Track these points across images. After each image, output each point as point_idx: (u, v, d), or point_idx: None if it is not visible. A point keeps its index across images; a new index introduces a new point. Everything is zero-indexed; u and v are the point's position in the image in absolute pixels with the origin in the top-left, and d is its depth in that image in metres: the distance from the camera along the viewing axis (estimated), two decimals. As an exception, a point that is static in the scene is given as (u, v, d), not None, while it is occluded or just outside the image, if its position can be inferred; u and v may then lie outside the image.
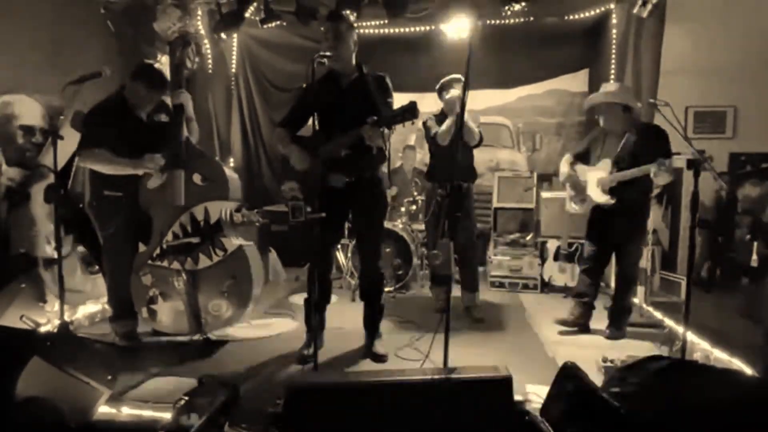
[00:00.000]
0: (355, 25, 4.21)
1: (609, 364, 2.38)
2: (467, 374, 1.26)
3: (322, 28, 2.43)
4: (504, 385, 1.28)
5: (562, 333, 3.13)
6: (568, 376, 1.39)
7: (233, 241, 2.66)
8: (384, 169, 2.61)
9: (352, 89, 2.42)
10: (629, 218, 2.93)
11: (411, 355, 2.60)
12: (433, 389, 1.31)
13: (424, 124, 3.36)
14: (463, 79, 2.77)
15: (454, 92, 3.15)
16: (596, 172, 2.97)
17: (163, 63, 4.14)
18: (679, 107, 6.41)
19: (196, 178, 2.64)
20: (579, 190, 3.09)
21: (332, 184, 2.42)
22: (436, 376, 1.28)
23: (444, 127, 3.20)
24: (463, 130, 2.90)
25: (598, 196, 2.96)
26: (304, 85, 2.47)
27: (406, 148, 5.03)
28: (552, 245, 4.32)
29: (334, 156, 2.37)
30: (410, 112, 2.17)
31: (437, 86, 3.32)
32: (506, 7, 3.39)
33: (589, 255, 3.11)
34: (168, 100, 2.80)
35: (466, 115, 2.39)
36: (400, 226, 4.24)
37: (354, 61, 2.43)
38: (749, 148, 6.20)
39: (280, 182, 3.77)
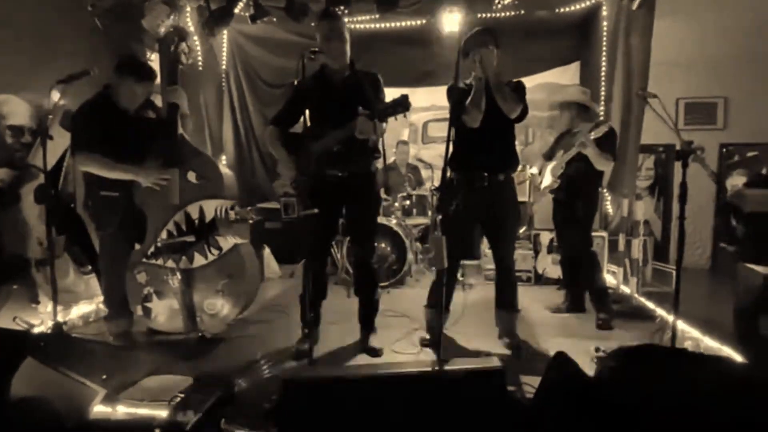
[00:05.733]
0: (347, 20, 4.25)
1: (601, 354, 2.42)
2: (460, 366, 1.27)
3: (313, 25, 2.43)
4: (497, 376, 1.30)
5: (554, 311, 3.41)
6: (560, 366, 1.41)
7: (228, 240, 2.66)
8: (378, 164, 2.61)
9: (344, 86, 2.43)
10: (574, 204, 3.14)
11: (406, 349, 2.62)
12: (427, 381, 1.32)
13: (451, 91, 2.50)
14: (495, 35, 2.51)
15: (485, 51, 2.45)
16: (553, 162, 3.30)
17: (152, 60, 4.11)
18: (670, 99, 6.50)
19: (191, 176, 2.63)
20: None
21: (326, 180, 2.42)
22: (429, 369, 1.29)
23: (470, 102, 2.45)
24: (497, 98, 2.42)
25: (547, 180, 3.27)
26: (296, 82, 2.45)
27: (399, 143, 5.03)
28: (545, 238, 4.35)
29: (326, 151, 2.37)
30: (402, 105, 2.18)
31: (462, 44, 2.51)
32: (496, 1, 3.39)
33: (554, 242, 3.34)
34: (156, 97, 2.77)
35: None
36: (395, 221, 4.25)
37: (347, 59, 2.42)
38: (740, 138, 6.26)
39: (273, 179, 3.80)
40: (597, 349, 2.46)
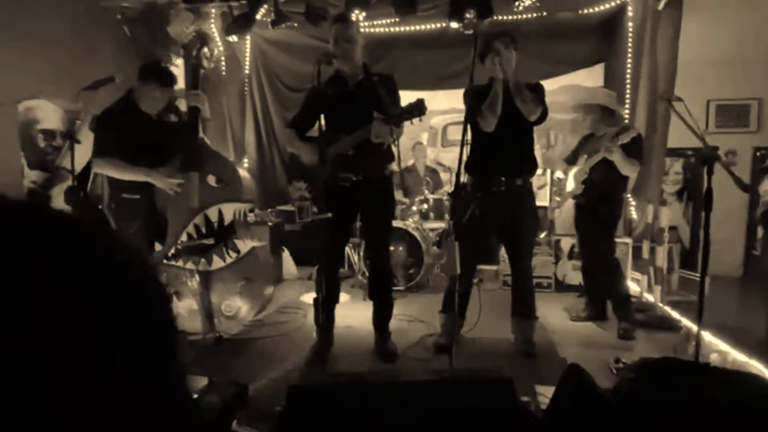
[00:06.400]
0: (367, 23, 4.27)
1: (620, 365, 2.35)
2: (468, 376, 1.25)
3: (330, 29, 2.45)
4: (505, 387, 1.27)
5: (574, 319, 3.34)
6: (572, 378, 1.37)
7: (246, 243, 2.70)
8: (393, 167, 2.61)
9: (359, 90, 2.44)
10: (597, 210, 3.06)
11: (420, 354, 2.61)
12: (433, 390, 1.31)
13: (468, 94, 2.40)
14: (514, 36, 2.50)
15: (505, 52, 2.40)
16: (576, 167, 3.22)
17: (178, 65, 4.23)
18: (700, 101, 6.27)
19: (211, 179, 2.69)
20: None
21: (340, 183, 2.44)
22: (436, 377, 1.28)
23: (486, 106, 2.40)
24: (516, 99, 2.39)
25: (570, 186, 3.20)
26: (312, 86, 2.48)
27: (416, 145, 5.01)
28: (566, 243, 4.26)
29: (341, 155, 2.39)
30: (417, 108, 2.18)
31: (479, 48, 2.45)
32: (516, 2, 3.35)
33: (575, 248, 3.26)
34: (179, 101, 2.85)
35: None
36: (412, 225, 4.24)
37: (361, 62, 2.44)
38: (775, 142, 5.99)
39: (290, 182, 3.83)
40: (617, 360, 2.39)
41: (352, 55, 2.37)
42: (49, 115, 3.47)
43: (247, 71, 5.20)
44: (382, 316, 2.65)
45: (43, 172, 3.44)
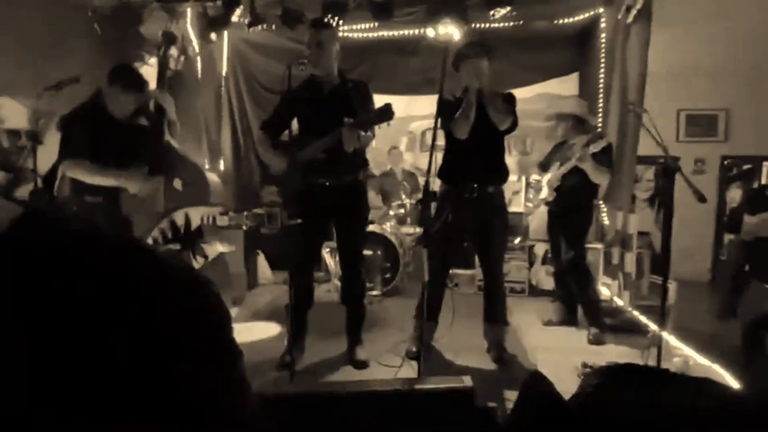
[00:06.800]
0: (347, 28, 4.27)
1: (588, 370, 2.39)
2: (431, 385, 1.25)
3: (306, 36, 2.43)
4: (467, 396, 1.27)
5: (546, 324, 3.39)
6: (533, 386, 1.39)
7: (215, 248, 2.65)
8: (366, 172, 2.61)
9: (332, 95, 2.43)
10: (569, 216, 3.14)
11: (392, 361, 2.60)
12: (397, 400, 1.30)
13: (442, 102, 2.28)
14: (488, 47, 2.57)
15: (479, 62, 2.47)
16: (549, 174, 3.28)
17: (152, 65, 4.14)
18: (671, 111, 6.45)
19: (177, 183, 2.63)
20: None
21: (312, 189, 2.42)
22: (400, 387, 1.27)
23: (460, 113, 2.45)
24: (489, 108, 2.45)
25: (544, 192, 3.26)
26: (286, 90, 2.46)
27: (393, 150, 5.03)
28: (540, 249, 4.32)
29: (313, 160, 2.37)
30: (385, 113, 2.18)
31: (454, 56, 2.57)
32: (491, 12, 3.40)
33: (548, 253, 3.33)
34: (151, 103, 2.78)
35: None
36: (389, 229, 4.24)
37: (333, 68, 2.43)
38: (742, 151, 6.21)
39: (263, 186, 3.78)
40: (584, 365, 2.43)
41: (323, 61, 2.35)
42: (13, 113, 3.36)
43: (224, 73, 5.14)
44: (354, 323, 2.63)
45: (7, 173, 3.32)
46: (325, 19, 2.48)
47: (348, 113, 2.31)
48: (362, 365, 2.53)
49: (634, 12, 3.40)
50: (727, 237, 4.71)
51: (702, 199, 1.99)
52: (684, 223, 3.06)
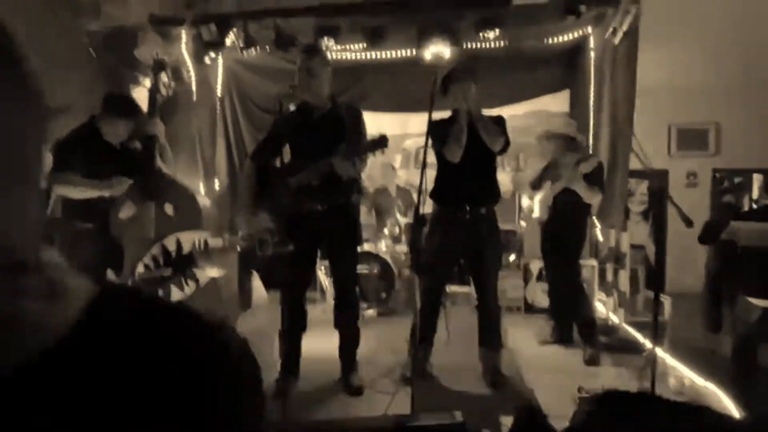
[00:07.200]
0: (340, 47, 4.31)
1: (584, 395, 2.36)
2: (420, 422, 1.24)
3: (297, 62, 2.44)
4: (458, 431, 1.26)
5: (541, 343, 3.37)
6: (526, 420, 1.37)
7: (206, 273, 2.64)
8: (357, 195, 2.61)
9: (324, 121, 2.44)
10: (562, 235, 3.14)
11: (387, 387, 2.57)
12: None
13: (433, 125, 2.33)
14: (473, 70, 2.61)
15: (467, 85, 2.51)
16: (541, 193, 3.31)
17: (146, 85, 4.17)
18: (662, 125, 6.52)
19: (168, 208, 2.63)
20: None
21: (304, 213, 2.42)
22: (390, 425, 1.26)
23: (451, 137, 2.48)
24: (480, 130, 2.47)
25: (536, 211, 3.26)
26: (277, 116, 2.48)
27: (384, 166, 5.04)
28: (535, 266, 4.32)
29: (305, 185, 2.38)
30: (380, 143, 2.20)
31: (441, 81, 2.59)
32: (481, 34, 3.45)
33: (542, 274, 3.32)
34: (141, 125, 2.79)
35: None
36: (384, 248, 4.23)
37: (323, 96, 2.45)
38: (732, 164, 6.28)
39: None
40: (579, 389, 2.41)
41: (314, 88, 2.37)
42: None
43: (219, 93, 5.17)
44: (348, 348, 2.61)
45: None
46: (317, 46, 2.50)
47: (340, 138, 2.33)
48: (357, 392, 2.50)
49: (620, 34, 3.46)
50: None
51: (689, 224, 2.00)
52: (680, 235, 3.04)
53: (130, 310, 0.38)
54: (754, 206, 3.58)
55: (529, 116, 5.34)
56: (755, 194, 5.26)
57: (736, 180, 6.24)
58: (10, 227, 0.33)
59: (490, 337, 2.66)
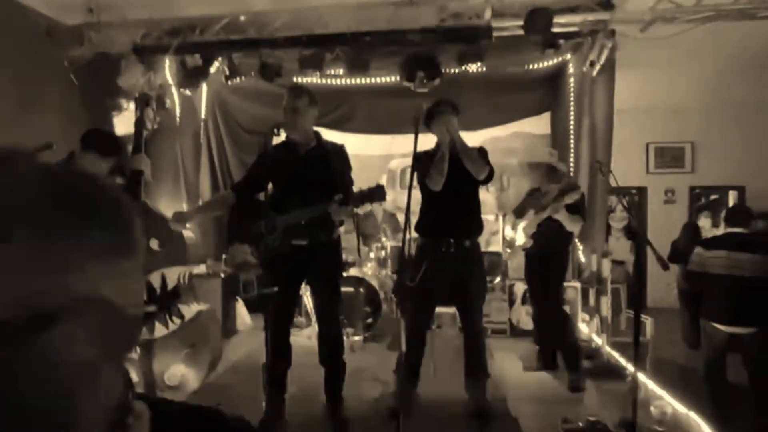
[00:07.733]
0: (327, 72, 4.34)
1: (569, 425, 2.40)
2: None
3: (283, 101, 2.45)
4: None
5: (526, 369, 3.42)
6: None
7: (191, 308, 2.62)
8: (340, 231, 2.63)
9: (309, 158, 2.46)
10: (545, 262, 3.20)
11: (373, 420, 2.56)
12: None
13: (417, 158, 2.35)
14: (454, 104, 2.66)
15: (448, 118, 2.58)
16: (524, 221, 3.33)
17: (130, 110, 4.14)
18: (641, 144, 6.70)
19: (153, 243, 2.61)
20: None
21: (288, 249, 2.42)
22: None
23: (433, 167, 2.53)
24: (465, 160, 2.52)
25: (519, 239, 3.29)
26: (261, 152, 2.48)
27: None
28: (519, 288, 4.37)
29: (293, 224, 2.39)
30: (378, 194, 2.22)
31: (424, 114, 2.62)
32: (462, 67, 3.52)
33: (527, 297, 3.38)
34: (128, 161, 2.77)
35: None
36: (370, 272, 4.24)
37: (308, 133, 2.47)
38: (708, 181, 6.49)
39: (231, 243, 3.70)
40: (564, 420, 2.44)
41: (300, 126, 2.40)
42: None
43: (203, 115, 5.16)
44: (333, 383, 2.59)
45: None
46: (303, 86, 2.52)
47: (325, 175, 2.35)
48: (343, 426, 2.48)
49: (597, 66, 3.57)
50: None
51: (665, 266, 2.06)
52: (661, 251, 3.10)
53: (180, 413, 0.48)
54: (717, 233, 3.67)
55: (511, 138, 5.45)
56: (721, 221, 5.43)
57: (712, 197, 6.44)
58: None
59: (475, 367, 2.68)
